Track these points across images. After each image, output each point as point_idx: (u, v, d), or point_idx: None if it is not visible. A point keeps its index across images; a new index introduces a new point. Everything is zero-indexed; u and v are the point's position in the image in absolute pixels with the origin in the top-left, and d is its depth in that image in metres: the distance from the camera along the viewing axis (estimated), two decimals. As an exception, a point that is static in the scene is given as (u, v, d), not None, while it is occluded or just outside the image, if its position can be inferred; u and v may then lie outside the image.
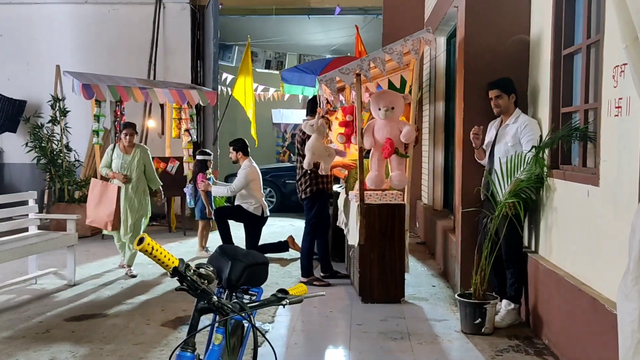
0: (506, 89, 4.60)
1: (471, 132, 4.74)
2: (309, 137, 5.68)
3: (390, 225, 5.21)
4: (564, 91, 4.16)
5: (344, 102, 7.14)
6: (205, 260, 2.32)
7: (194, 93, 8.58)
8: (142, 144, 6.65)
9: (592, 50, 3.76)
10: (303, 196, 5.93)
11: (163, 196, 6.69)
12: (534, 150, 4.22)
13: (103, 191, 6.26)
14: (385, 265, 5.23)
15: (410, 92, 5.47)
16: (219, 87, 11.07)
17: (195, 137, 9.47)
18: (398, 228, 5.22)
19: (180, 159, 9.11)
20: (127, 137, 6.19)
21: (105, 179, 6.42)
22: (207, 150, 7.75)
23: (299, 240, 7.00)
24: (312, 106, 5.98)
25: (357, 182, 5.34)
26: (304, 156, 5.74)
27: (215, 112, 10.20)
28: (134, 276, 6.22)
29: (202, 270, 1.98)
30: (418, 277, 6.27)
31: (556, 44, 4.22)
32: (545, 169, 4.22)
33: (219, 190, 7.16)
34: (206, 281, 1.98)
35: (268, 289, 2.37)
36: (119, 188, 6.18)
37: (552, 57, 4.25)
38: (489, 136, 4.80)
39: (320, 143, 5.65)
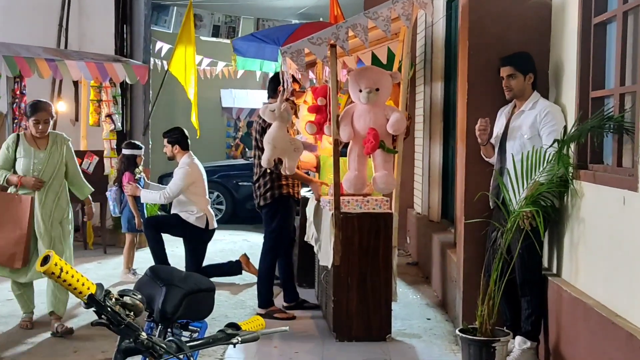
0: (522, 66, 4.66)
1: (477, 127, 4.79)
2: (269, 125, 5.67)
3: (373, 241, 5.22)
4: (594, 70, 4.23)
5: (314, 81, 7.15)
6: (131, 286, 2.29)
7: (119, 67, 8.49)
8: (59, 132, 5.78)
9: (630, 18, 3.83)
10: (262, 203, 5.92)
11: (92, 208, 6.04)
12: (556, 145, 4.28)
13: (4, 208, 5.39)
14: (366, 293, 5.24)
15: (400, 69, 5.50)
16: (152, 60, 10.95)
17: (119, 125, 9.36)
18: (383, 244, 5.24)
19: (100, 153, 9.00)
20: (40, 124, 5.38)
21: (4, 188, 5.55)
22: (136, 143, 7.67)
23: (255, 261, 6.98)
24: (273, 86, 5.97)
25: (332, 185, 5.34)
26: (263, 151, 5.72)
27: (146, 93, 10.09)
28: (69, 332, 5.41)
29: (127, 299, 1.96)
30: (409, 307, 6.30)
31: (585, 9, 4.29)
32: (570, 169, 4.28)
33: (150, 196, 7.11)
34: (132, 313, 1.96)
35: (214, 324, 2.35)
36: (32, 201, 5.36)
37: (579, 27, 4.32)
38: (499, 127, 4.85)
39: (284, 134, 5.64)
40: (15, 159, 5.48)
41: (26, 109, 5.59)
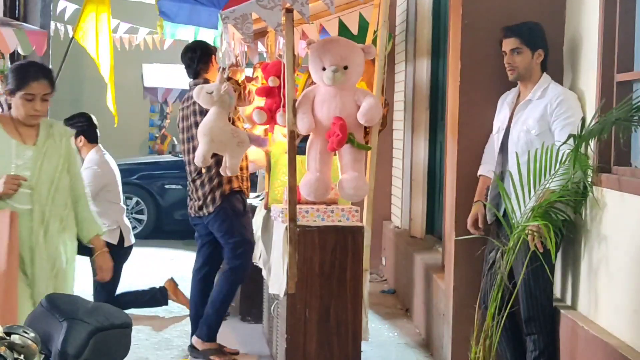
0: (531, 39, 4.71)
1: (469, 221, 4.89)
2: (206, 112, 5.65)
3: (338, 263, 5.23)
4: (620, 47, 4.30)
5: (265, 55, 7.14)
6: (22, 321, 2.27)
7: (8, 33, 8.37)
8: (53, 119, 4.82)
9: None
10: (210, 208, 5.88)
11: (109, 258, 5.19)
12: (572, 142, 4.34)
13: None
14: (329, 329, 5.25)
15: (374, 42, 5.52)
16: (53, 24, 10.83)
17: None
18: (352, 267, 5.25)
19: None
20: (36, 103, 4.43)
21: None
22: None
23: (185, 287, 6.95)
24: (197, 58, 5.97)
25: (286, 190, 5.34)
26: (196, 145, 5.71)
27: (45, 67, 9.97)
28: None
29: (15, 338, 1.94)
30: (383, 348, 6.33)
31: (610, -29, 4.36)
32: (589, 173, 4.34)
33: None
34: (22, 356, 1.94)
35: (131, 370, 2.34)
36: (13, 216, 4.32)
37: (603, -8, 4.40)
38: (500, 120, 4.90)
39: (224, 124, 5.63)
40: None
41: (7, 76, 4.59)
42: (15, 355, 1.97)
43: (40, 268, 4.48)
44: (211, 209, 5.91)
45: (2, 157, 4.42)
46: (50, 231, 4.50)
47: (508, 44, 4.74)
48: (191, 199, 6.06)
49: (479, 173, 5.05)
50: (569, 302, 4.67)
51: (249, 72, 6.82)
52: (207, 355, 5.88)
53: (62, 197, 4.58)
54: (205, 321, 5.99)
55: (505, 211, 4.58)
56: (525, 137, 4.65)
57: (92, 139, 7.05)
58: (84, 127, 7.02)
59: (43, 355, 2.31)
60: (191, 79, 6.10)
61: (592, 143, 4.36)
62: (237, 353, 6.06)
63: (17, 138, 4.47)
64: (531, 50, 4.71)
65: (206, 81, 5.90)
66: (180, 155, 6.16)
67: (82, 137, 7.01)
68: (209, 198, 5.90)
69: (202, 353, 5.90)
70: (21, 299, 4.36)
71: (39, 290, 4.42)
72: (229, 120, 5.69)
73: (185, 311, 7.00)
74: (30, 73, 4.46)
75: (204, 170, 5.84)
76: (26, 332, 1.99)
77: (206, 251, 6.18)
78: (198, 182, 5.95)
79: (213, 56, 6.02)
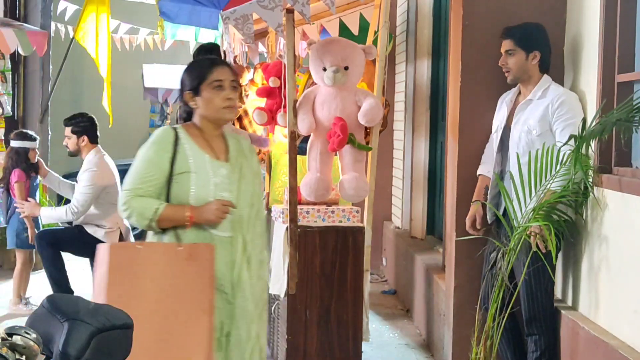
0: (525, 41, 4.71)
1: (467, 222, 4.90)
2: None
3: (339, 264, 5.24)
4: (621, 48, 4.30)
5: (265, 56, 7.14)
6: (24, 321, 2.28)
7: (9, 34, 8.39)
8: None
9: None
10: None
11: None
12: (573, 142, 4.34)
13: (163, 275, 3.61)
14: (330, 330, 5.25)
15: (375, 42, 5.53)
16: (54, 24, 10.83)
17: (9, 108, 9.24)
18: (352, 268, 5.25)
19: (-18, 145, 8.90)
20: (230, 98, 3.83)
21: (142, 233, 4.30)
22: (28, 133, 7.59)
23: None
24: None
25: (286, 191, 5.34)
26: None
27: (45, 68, 10.00)
28: None
29: (17, 339, 1.94)
30: (384, 348, 6.33)
31: (611, -29, 4.37)
32: (590, 174, 4.35)
33: (55, 215, 7.04)
34: (24, 357, 1.94)
35: (132, 371, 2.34)
36: (212, 253, 3.68)
37: (603, -7, 4.40)
38: (499, 119, 4.90)
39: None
40: (171, 177, 3.74)
41: (187, 72, 3.90)
42: (17, 356, 1.97)
43: (242, 308, 3.77)
44: None
45: (199, 174, 3.71)
46: (253, 264, 3.84)
47: (504, 46, 4.76)
48: None
49: (478, 172, 5.05)
50: (569, 302, 4.68)
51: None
52: None
53: (262, 223, 3.93)
54: None
55: (505, 211, 4.58)
56: (527, 137, 4.65)
57: (94, 140, 7.05)
58: (87, 127, 7.02)
59: (44, 356, 2.31)
60: None
61: (593, 144, 4.37)
62: None
63: (208, 152, 3.78)
64: (525, 51, 4.71)
65: None
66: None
67: (85, 137, 7.00)
68: None
69: None
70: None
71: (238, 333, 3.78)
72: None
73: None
74: (207, 61, 3.91)
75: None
76: (28, 333, 2.00)
77: None
78: None
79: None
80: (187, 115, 3.88)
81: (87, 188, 6.85)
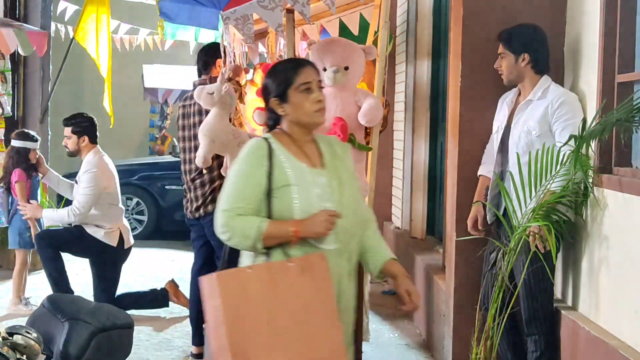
0: (513, 44, 4.71)
1: (469, 222, 4.93)
2: (207, 112, 5.66)
3: (339, 263, 5.23)
4: (621, 48, 4.31)
5: (265, 56, 7.14)
6: (24, 321, 2.28)
7: (9, 34, 8.40)
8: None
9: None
10: (209, 208, 5.87)
11: None
12: (573, 142, 4.35)
13: (273, 296, 3.30)
14: (330, 330, 5.24)
15: (375, 42, 5.53)
16: (54, 24, 10.83)
17: (9, 109, 9.24)
18: (352, 268, 5.25)
19: (-18, 145, 8.90)
20: (318, 99, 3.56)
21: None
22: (30, 133, 7.59)
23: (185, 288, 6.96)
24: (206, 59, 5.97)
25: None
26: (197, 145, 5.71)
27: (45, 68, 10.00)
28: None
29: (18, 338, 1.95)
30: (384, 349, 6.33)
31: (611, -29, 4.37)
32: (590, 174, 4.35)
33: (56, 216, 7.04)
34: (25, 357, 1.95)
35: (133, 370, 2.34)
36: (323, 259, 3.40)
37: (603, -7, 4.40)
38: (499, 120, 4.90)
39: (225, 124, 5.63)
40: (270, 191, 3.47)
41: (271, 77, 3.62)
42: (18, 356, 1.97)
43: (346, 323, 3.59)
44: (210, 209, 5.89)
45: (300, 186, 3.44)
46: (352, 275, 3.62)
47: (498, 48, 4.78)
48: (188, 200, 6.03)
49: (479, 173, 5.05)
50: (569, 302, 4.67)
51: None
52: None
53: (361, 231, 3.66)
54: (197, 328, 5.97)
55: (505, 211, 4.58)
56: (526, 137, 4.65)
57: (93, 140, 7.06)
58: (88, 127, 7.03)
59: (45, 356, 2.32)
60: (197, 78, 6.09)
61: (593, 144, 4.37)
62: None
63: (305, 161, 3.52)
64: (514, 54, 4.71)
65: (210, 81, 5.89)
66: (180, 156, 6.19)
67: (86, 138, 7.01)
68: (209, 198, 5.87)
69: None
70: None
71: None
72: (230, 121, 5.70)
73: (186, 312, 6.99)
74: (291, 64, 3.68)
75: (205, 170, 5.83)
76: (29, 333, 2.00)
77: (205, 251, 6.15)
78: (198, 182, 5.92)
79: (219, 59, 5.98)
80: (274, 123, 3.60)
81: (87, 189, 6.85)
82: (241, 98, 5.94)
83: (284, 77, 3.51)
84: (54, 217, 7.05)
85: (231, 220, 3.39)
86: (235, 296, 3.20)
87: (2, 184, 7.53)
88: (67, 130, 7.03)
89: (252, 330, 3.10)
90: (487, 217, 4.89)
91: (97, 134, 7.12)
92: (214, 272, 6.12)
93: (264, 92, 3.60)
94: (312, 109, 3.48)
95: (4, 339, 1.95)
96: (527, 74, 4.72)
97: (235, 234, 3.39)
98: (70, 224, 7.10)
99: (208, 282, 3.28)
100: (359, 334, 5.29)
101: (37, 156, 7.45)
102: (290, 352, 3.18)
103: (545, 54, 4.75)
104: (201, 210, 5.89)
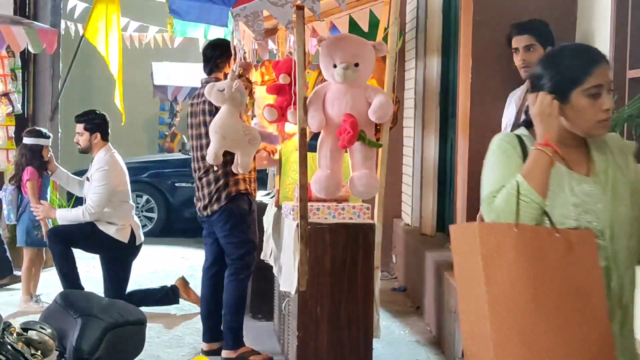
0: (544, 36, 4.71)
1: (478, 219, 4.86)
2: (217, 110, 5.67)
3: (350, 261, 5.24)
4: (633, 44, 4.30)
5: (275, 53, 7.14)
6: (36, 318, 2.29)
7: (19, 32, 8.40)
8: None
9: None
10: (215, 206, 5.88)
11: None
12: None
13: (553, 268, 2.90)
14: (340, 327, 5.26)
15: (385, 38, 5.53)
16: (63, 22, 10.87)
17: (19, 106, 9.26)
18: (363, 265, 5.26)
19: (-8, 142, 8.93)
20: (608, 97, 2.92)
21: None
22: (42, 130, 7.62)
23: (196, 285, 6.97)
24: (218, 56, 5.99)
25: (296, 188, 5.35)
26: (208, 142, 5.72)
27: (55, 66, 10.03)
28: None
29: (32, 334, 1.96)
30: (394, 345, 6.33)
31: (622, -33, 4.37)
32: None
33: (71, 216, 7.07)
34: (39, 352, 1.96)
35: (145, 366, 2.35)
36: (592, 236, 2.91)
37: (614, -11, 4.40)
38: (508, 117, 4.90)
39: (236, 121, 5.64)
40: None
41: (554, 67, 2.94)
42: (32, 351, 1.98)
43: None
44: (215, 207, 5.91)
45: (554, 190, 2.87)
46: (629, 313, 2.99)
47: (521, 41, 4.73)
48: (197, 198, 6.07)
49: None
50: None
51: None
52: (246, 358, 5.87)
53: (635, 259, 2.99)
54: (228, 330, 5.98)
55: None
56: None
57: (105, 137, 7.08)
58: (100, 124, 7.06)
59: (58, 352, 2.33)
60: (205, 76, 6.10)
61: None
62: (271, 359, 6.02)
63: (564, 162, 2.94)
64: (543, 47, 4.71)
65: (218, 79, 5.91)
66: (189, 153, 6.21)
67: (98, 135, 7.03)
68: (214, 197, 5.89)
69: (238, 358, 5.88)
70: None
71: None
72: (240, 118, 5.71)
73: (197, 309, 7.01)
74: (585, 58, 2.89)
75: (215, 168, 5.84)
76: (43, 328, 2.01)
77: (215, 249, 6.17)
78: (204, 180, 5.95)
79: (232, 58, 5.99)
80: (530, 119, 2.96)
81: (100, 188, 6.88)
82: (251, 95, 5.94)
83: (572, 74, 2.85)
84: (68, 217, 7.07)
85: (493, 202, 2.92)
86: (495, 252, 2.79)
87: (13, 182, 7.55)
88: (79, 127, 7.06)
89: (513, 303, 2.72)
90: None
91: (109, 131, 7.15)
92: (224, 269, 6.21)
93: (535, 79, 2.95)
94: (595, 119, 2.84)
95: (18, 334, 1.96)
96: None
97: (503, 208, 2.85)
98: None
99: (464, 231, 2.97)
100: (369, 331, 5.32)
101: (50, 153, 7.48)
102: (559, 338, 2.73)
103: None
104: (208, 209, 5.92)
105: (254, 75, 6.19)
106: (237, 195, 5.91)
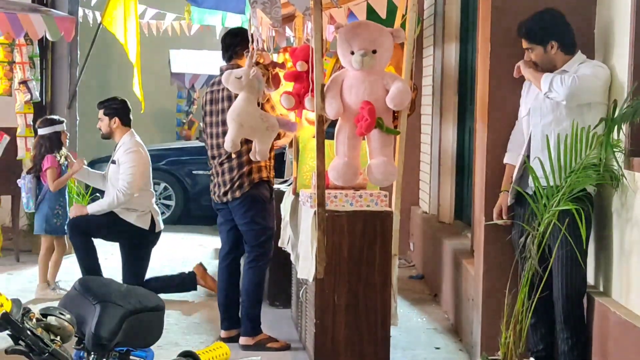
0: (537, 36, 4.70)
1: (495, 211, 4.91)
2: (235, 97, 5.68)
3: (367, 248, 5.25)
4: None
5: (292, 40, 7.14)
6: (56, 304, 2.30)
7: (37, 19, 8.43)
8: None
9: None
10: (237, 194, 5.88)
11: None
12: (604, 125, 4.32)
13: None
14: (358, 314, 5.27)
15: (403, 25, 5.52)
16: (81, 10, 10.88)
17: (37, 94, 9.29)
18: (380, 252, 5.26)
19: (12, 131, 8.95)
20: None
21: None
22: (54, 117, 7.67)
23: (213, 271, 6.99)
24: (237, 43, 6.00)
25: (314, 175, 5.36)
26: (226, 130, 5.73)
27: (72, 53, 10.05)
28: None
29: (52, 320, 1.96)
30: (412, 333, 6.34)
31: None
32: (621, 156, 4.33)
33: (104, 204, 7.06)
34: (59, 338, 1.96)
35: (162, 354, 2.36)
36: None
37: (635, -26, 4.37)
38: (527, 103, 4.89)
39: (254, 108, 5.64)
40: None
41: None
42: (52, 337, 1.99)
43: None
44: (237, 194, 5.91)
45: None
46: None
47: (523, 44, 4.76)
48: (215, 184, 6.06)
49: (504, 161, 5.04)
50: (601, 288, 4.66)
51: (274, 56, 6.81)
52: (264, 345, 5.89)
53: None
54: (247, 317, 5.99)
55: (535, 192, 4.57)
56: (554, 114, 4.63)
57: (126, 122, 7.12)
58: (118, 108, 7.10)
59: (77, 338, 2.34)
60: (223, 64, 6.10)
61: (624, 127, 4.35)
62: (288, 347, 6.02)
63: None
64: (542, 45, 4.71)
65: (238, 66, 5.89)
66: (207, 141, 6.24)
67: (116, 119, 7.07)
68: (236, 184, 5.90)
69: (256, 346, 5.89)
70: None
71: None
72: (258, 105, 5.71)
73: (214, 296, 7.03)
74: None
75: (234, 155, 5.85)
76: (62, 314, 2.02)
77: (232, 236, 6.18)
78: (226, 166, 5.94)
79: (251, 46, 5.97)
80: None
81: (132, 168, 6.91)
82: (269, 82, 5.94)
83: None
84: (102, 207, 7.05)
85: None
86: None
87: (31, 171, 7.58)
88: (100, 113, 7.15)
89: None
90: (509, 199, 4.89)
91: (131, 117, 7.18)
92: (240, 256, 6.22)
93: None
94: None
95: (38, 320, 1.97)
96: (558, 59, 4.71)
97: None
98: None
99: None
100: (387, 318, 5.32)
101: (67, 136, 7.55)
102: None
103: (570, 34, 4.74)
104: (229, 195, 5.93)
105: (280, 58, 6.18)
106: (259, 182, 5.93)
